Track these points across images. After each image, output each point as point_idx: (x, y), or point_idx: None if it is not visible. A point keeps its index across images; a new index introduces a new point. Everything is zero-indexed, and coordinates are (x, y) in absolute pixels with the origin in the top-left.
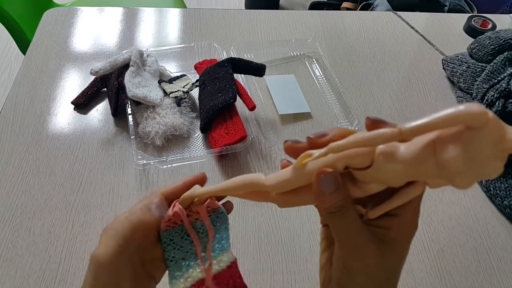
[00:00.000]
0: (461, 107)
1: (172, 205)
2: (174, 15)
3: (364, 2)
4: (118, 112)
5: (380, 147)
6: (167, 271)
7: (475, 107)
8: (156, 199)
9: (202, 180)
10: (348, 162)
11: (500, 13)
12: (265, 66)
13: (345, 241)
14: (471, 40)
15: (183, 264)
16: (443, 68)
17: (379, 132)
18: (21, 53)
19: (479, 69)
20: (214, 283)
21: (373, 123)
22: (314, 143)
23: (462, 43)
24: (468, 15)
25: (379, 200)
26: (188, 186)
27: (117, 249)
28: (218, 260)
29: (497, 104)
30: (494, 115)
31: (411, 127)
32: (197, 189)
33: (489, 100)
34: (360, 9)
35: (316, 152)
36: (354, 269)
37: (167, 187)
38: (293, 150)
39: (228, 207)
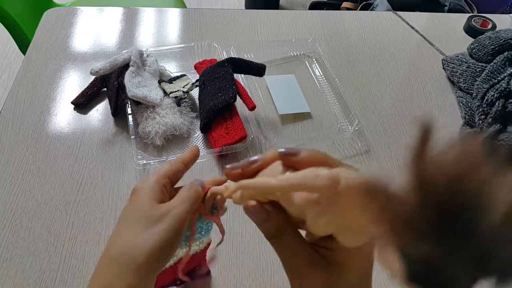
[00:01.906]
0: (309, 176)
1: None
2: (174, 15)
3: (364, 2)
4: (118, 112)
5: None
6: None
7: (321, 179)
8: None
9: (197, 155)
10: (260, 197)
11: (500, 13)
12: (265, 66)
13: (286, 263)
14: (471, 40)
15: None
16: (443, 68)
17: (265, 182)
18: (21, 53)
19: (479, 69)
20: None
21: (282, 157)
22: (246, 168)
23: (462, 43)
24: (468, 15)
25: None
26: (188, 164)
27: (152, 179)
28: (200, 241)
29: (497, 104)
30: (348, 185)
31: (282, 185)
32: (213, 189)
33: (489, 100)
34: (360, 9)
35: (226, 188)
36: None
37: (166, 168)
38: (231, 176)
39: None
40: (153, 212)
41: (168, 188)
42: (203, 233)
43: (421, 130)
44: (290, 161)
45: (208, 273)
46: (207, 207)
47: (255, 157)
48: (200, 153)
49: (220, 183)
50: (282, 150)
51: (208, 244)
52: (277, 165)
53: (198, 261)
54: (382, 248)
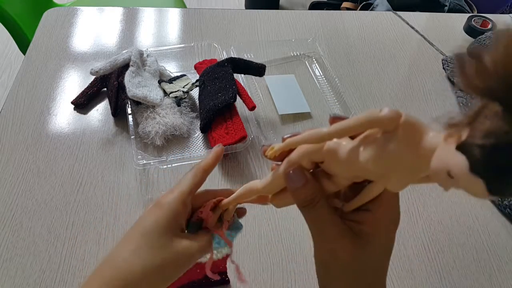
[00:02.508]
0: (372, 111)
1: (207, 206)
2: (174, 15)
3: (364, 2)
4: (118, 112)
5: (327, 144)
6: None
7: (385, 112)
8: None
9: (220, 155)
10: (305, 158)
11: (500, 13)
12: (265, 66)
13: (316, 233)
14: (471, 40)
15: None
16: (443, 68)
17: (315, 131)
18: (21, 53)
19: None
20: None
21: (333, 120)
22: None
23: (462, 43)
24: (468, 15)
25: (355, 195)
26: (209, 170)
27: (177, 197)
28: (218, 251)
29: None
30: (407, 120)
31: (335, 129)
32: (223, 202)
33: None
34: (360, 9)
35: (277, 146)
36: (326, 261)
37: (190, 182)
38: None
39: (242, 212)
40: (162, 240)
41: (189, 203)
42: (221, 243)
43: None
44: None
45: (227, 281)
46: (214, 219)
47: (296, 131)
48: (200, 153)
49: (228, 195)
50: (333, 114)
51: (227, 255)
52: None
53: (218, 268)
54: (442, 152)
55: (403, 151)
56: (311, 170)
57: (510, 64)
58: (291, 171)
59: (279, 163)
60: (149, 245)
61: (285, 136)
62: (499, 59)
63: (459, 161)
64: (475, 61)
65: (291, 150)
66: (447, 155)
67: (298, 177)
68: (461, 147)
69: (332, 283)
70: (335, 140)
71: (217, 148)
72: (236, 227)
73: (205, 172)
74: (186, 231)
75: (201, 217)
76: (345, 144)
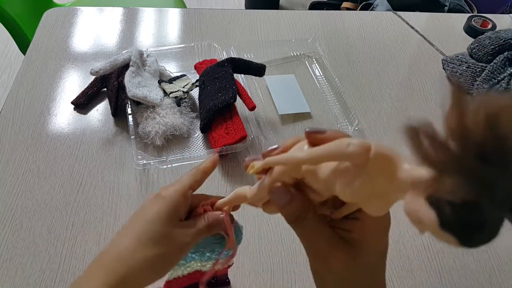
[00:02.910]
0: (341, 145)
1: (201, 204)
2: (174, 15)
3: (364, 2)
4: (118, 112)
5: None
6: None
7: (353, 148)
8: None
9: (216, 163)
10: (285, 176)
11: (500, 13)
12: (265, 66)
13: (308, 247)
14: (471, 40)
15: (189, 255)
16: (443, 68)
17: (291, 156)
18: (21, 53)
19: (479, 69)
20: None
21: (308, 135)
22: (267, 155)
23: (462, 43)
24: (468, 15)
25: (343, 201)
26: (208, 172)
27: (178, 189)
28: (221, 262)
29: None
30: (377, 153)
31: (309, 157)
32: (217, 203)
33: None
34: (360, 9)
35: (257, 164)
36: (321, 273)
37: (190, 178)
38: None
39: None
40: (163, 229)
41: (189, 197)
42: (224, 256)
43: (455, 87)
44: (316, 139)
45: (227, 283)
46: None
47: (274, 146)
48: (200, 153)
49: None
50: (309, 129)
51: (229, 266)
52: (301, 146)
53: (219, 271)
54: (413, 200)
55: (377, 183)
56: (296, 181)
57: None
58: (274, 190)
59: (255, 159)
60: (151, 234)
61: (264, 152)
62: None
63: (429, 217)
64: (430, 136)
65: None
66: (417, 206)
67: (282, 195)
68: (430, 199)
69: None
70: (306, 151)
71: (213, 156)
72: (236, 231)
73: (205, 173)
74: None
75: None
76: (324, 166)
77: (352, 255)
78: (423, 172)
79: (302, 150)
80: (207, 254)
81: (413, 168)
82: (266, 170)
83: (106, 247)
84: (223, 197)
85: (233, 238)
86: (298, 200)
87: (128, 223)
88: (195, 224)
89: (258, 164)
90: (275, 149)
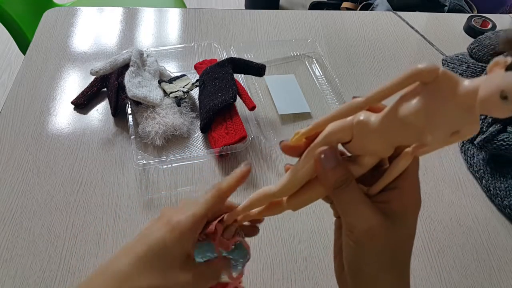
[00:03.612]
0: (411, 67)
1: (212, 225)
2: (174, 15)
3: (364, 2)
4: (118, 112)
5: (355, 119)
6: None
7: (425, 64)
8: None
9: (246, 176)
10: (333, 138)
11: (500, 13)
12: (265, 66)
13: (350, 214)
14: (471, 40)
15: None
16: None
17: (347, 104)
18: (21, 53)
19: (479, 69)
20: None
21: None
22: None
23: (462, 43)
24: (468, 15)
25: (378, 177)
26: (229, 192)
27: (190, 219)
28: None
29: None
30: (445, 71)
31: (373, 94)
32: (233, 213)
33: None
34: (360, 9)
35: (302, 130)
36: (361, 241)
37: (207, 205)
38: (289, 148)
39: (252, 231)
40: (164, 262)
41: (202, 225)
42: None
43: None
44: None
45: None
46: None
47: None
48: (200, 153)
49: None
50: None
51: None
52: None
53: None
54: (489, 84)
55: (443, 98)
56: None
57: None
58: (324, 151)
59: (292, 164)
60: (151, 264)
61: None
62: None
63: None
64: None
65: (310, 142)
66: (497, 79)
67: (331, 158)
68: (510, 68)
69: (365, 266)
70: (363, 113)
71: (243, 168)
72: (239, 252)
73: (225, 194)
74: (194, 251)
75: (207, 236)
76: (375, 115)
77: (392, 224)
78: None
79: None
80: None
81: (475, 79)
82: (301, 152)
83: (105, 263)
84: (233, 204)
85: (220, 256)
86: (344, 165)
87: (128, 245)
88: (200, 271)
89: (304, 130)
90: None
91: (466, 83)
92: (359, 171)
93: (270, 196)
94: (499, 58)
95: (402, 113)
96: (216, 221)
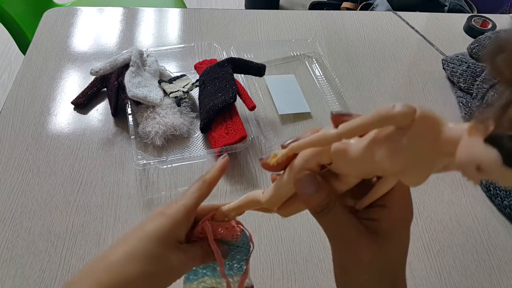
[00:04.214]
0: (386, 107)
1: (201, 221)
2: (174, 15)
3: (364, 2)
4: (118, 112)
5: (334, 145)
6: None
7: (398, 107)
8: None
9: (225, 168)
10: (311, 162)
11: (500, 13)
12: (265, 66)
13: (336, 237)
14: (471, 40)
15: (200, 271)
16: (443, 68)
17: (322, 134)
18: (21, 53)
19: (479, 69)
20: None
21: (335, 117)
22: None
23: (462, 43)
24: (468, 15)
25: (366, 189)
26: (213, 183)
27: (181, 208)
28: (234, 280)
29: None
30: (423, 113)
31: (346, 130)
32: (223, 208)
33: (489, 100)
34: (360, 9)
35: (280, 152)
36: (348, 265)
37: (195, 195)
38: (270, 167)
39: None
40: (156, 249)
41: (193, 215)
42: (235, 271)
43: None
44: (343, 122)
45: None
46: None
47: (293, 138)
48: (200, 153)
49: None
50: (335, 112)
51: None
52: (325, 131)
53: None
54: (467, 148)
55: (421, 145)
56: (319, 171)
57: None
58: (302, 178)
59: (280, 172)
60: (144, 251)
61: (286, 143)
62: None
63: (490, 155)
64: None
65: (293, 157)
66: (475, 148)
67: (310, 183)
68: (489, 140)
69: (355, 287)
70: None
71: (223, 159)
72: (243, 240)
73: (210, 185)
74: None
75: (200, 236)
76: (354, 142)
77: (380, 244)
78: (473, 124)
79: (329, 129)
80: (218, 269)
81: (460, 124)
82: (284, 166)
83: (99, 255)
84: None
85: (216, 251)
86: (325, 188)
87: (125, 235)
88: (189, 250)
89: (282, 151)
90: (295, 140)
91: (449, 129)
92: (343, 188)
93: (259, 205)
94: (480, 122)
95: (378, 157)
96: (201, 221)
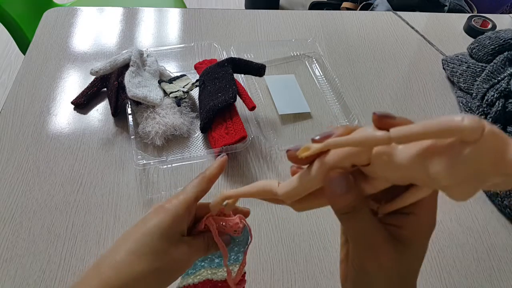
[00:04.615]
0: (454, 118)
1: (205, 217)
2: (174, 15)
3: (364, 2)
4: (118, 112)
5: (377, 147)
6: None
7: (468, 120)
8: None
9: (224, 166)
10: (347, 161)
11: (500, 13)
12: (265, 66)
13: (359, 241)
14: (471, 40)
15: (199, 264)
16: (443, 68)
17: (369, 135)
18: (21, 53)
19: (479, 69)
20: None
21: (379, 119)
22: (322, 141)
23: (462, 43)
24: (468, 15)
25: (392, 197)
26: (213, 180)
27: (182, 202)
28: (231, 268)
29: (497, 104)
30: (492, 130)
31: (400, 135)
32: (224, 193)
33: (489, 100)
34: (360, 9)
35: (314, 146)
36: (368, 270)
37: (196, 190)
38: (297, 160)
39: (245, 212)
40: (160, 244)
41: (194, 209)
42: (232, 261)
43: None
44: (387, 124)
45: None
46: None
47: (328, 131)
48: (200, 153)
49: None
50: (378, 112)
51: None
52: (365, 130)
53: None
54: None
55: (485, 162)
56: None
57: None
58: (334, 176)
59: (303, 166)
60: (147, 248)
61: (318, 138)
62: None
63: None
64: None
65: (321, 152)
66: None
67: (342, 183)
68: None
69: None
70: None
71: (221, 158)
72: (241, 239)
73: (210, 181)
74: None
75: (204, 228)
76: (402, 148)
77: (401, 251)
78: None
79: (376, 131)
80: (216, 261)
81: None
82: (311, 160)
83: (105, 253)
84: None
85: (222, 245)
86: (356, 190)
87: (128, 231)
88: (193, 243)
89: (316, 146)
90: (329, 135)
91: None
92: (370, 190)
93: (273, 195)
94: None
95: (434, 168)
96: (205, 218)
